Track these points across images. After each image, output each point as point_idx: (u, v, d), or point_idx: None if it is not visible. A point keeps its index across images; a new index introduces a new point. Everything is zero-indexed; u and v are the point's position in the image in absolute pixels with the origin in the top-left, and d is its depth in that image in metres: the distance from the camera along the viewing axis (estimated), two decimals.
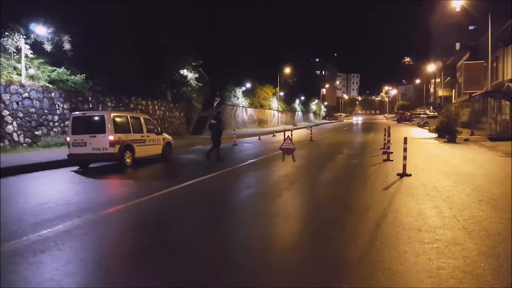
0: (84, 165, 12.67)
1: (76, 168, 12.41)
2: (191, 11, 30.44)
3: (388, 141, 13.67)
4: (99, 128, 12.14)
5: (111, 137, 11.99)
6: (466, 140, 22.51)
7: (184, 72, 29.55)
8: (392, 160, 13.00)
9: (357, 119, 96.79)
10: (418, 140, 24.11)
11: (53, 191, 8.60)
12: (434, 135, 27.15)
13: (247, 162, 13.60)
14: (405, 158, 10.05)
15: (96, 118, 12.46)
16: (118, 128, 12.45)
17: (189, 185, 9.02)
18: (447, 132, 23.37)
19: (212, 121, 15.09)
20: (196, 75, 30.45)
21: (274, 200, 7.49)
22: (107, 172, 11.88)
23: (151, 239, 5.16)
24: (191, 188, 8.84)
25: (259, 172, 11.70)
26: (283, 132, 22.44)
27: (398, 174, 10.00)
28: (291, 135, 19.18)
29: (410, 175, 9.89)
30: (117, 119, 12.61)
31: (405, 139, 10.34)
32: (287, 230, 5.70)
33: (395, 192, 7.88)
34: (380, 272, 3.89)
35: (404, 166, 10.02)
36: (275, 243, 5.07)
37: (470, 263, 4.08)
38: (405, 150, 10.10)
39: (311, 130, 26.41)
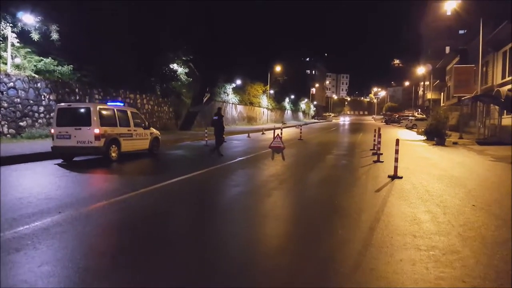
0: (68, 158, 12.30)
1: (59, 161, 12.03)
2: (182, 5, 29.97)
3: (379, 142, 13.55)
4: (84, 120, 11.77)
5: (97, 130, 11.65)
6: (454, 143, 22.61)
7: (174, 66, 29.12)
8: (383, 162, 12.88)
9: (344, 120, 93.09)
10: (407, 142, 24.13)
11: (34, 185, 8.25)
12: (423, 137, 27.20)
13: (236, 160, 13.37)
14: (396, 160, 9.92)
15: (82, 110, 12.08)
16: (104, 121, 12.10)
17: (176, 182, 8.76)
18: (436, 135, 23.43)
19: (214, 117, 15.03)
20: (186, 70, 30.04)
21: (263, 200, 7.28)
22: (91, 166, 11.53)
23: (133, 239, 4.90)
24: (177, 185, 8.58)
25: (248, 170, 11.47)
26: (272, 130, 22.26)
27: (389, 176, 9.87)
28: (281, 133, 18.97)
29: (401, 177, 9.77)
30: (103, 112, 12.26)
31: (397, 141, 10.22)
32: (277, 232, 5.50)
33: (387, 195, 7.73)
34: (375, 281, 3.70)
35: (396, 168, 9.89)
36: (264, 246, 4.85)
37: (469, 273, 3.91)
38: (396, 152, 9.97)
39: (301, 129, 26.25)
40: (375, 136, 18.59)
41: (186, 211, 6.48)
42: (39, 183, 8.51)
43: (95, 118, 11.72)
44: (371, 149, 17.50)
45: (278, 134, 17.77)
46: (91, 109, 11.83)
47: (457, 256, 4.36)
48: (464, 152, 17.66)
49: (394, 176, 9.75)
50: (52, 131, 12.11)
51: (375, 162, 12.95)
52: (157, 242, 4.76)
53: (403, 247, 4.64)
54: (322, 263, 4.20)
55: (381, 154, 13.71)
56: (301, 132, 25.31)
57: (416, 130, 38.62)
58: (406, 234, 5.17)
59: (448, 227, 5.51)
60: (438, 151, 18.06)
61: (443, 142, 22.33)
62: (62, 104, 12.97)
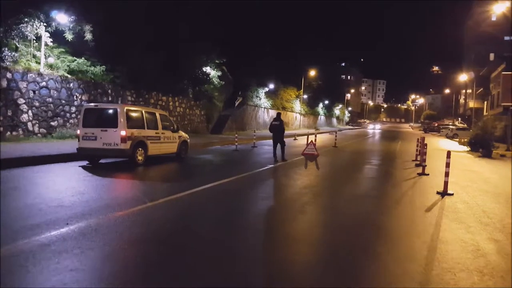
0: (94, 160, 11.90)
1: (85, 162, 11.65)
2: (217, 8, 29.69)
3: (424, 153, 12.36)
4: (111, 122, 11.33)
5: (123, 132, 11.17)
6: (502, 155, 20.98)
7: (207, 69, 28.75)
8: (428, 175, 11.75)
9: (374, 128, 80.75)
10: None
11: (51, 189, 7.74)
12: (466, 148, 25.57)
13: (266, 167, 12.52)
14: (447, 174, 8.81)
15: (109, 111, 11.63)
16: (131, 123, 11.62)
17: (199, 192, 8.02)
18: (481, 146, 21.84)
19: (273, 122, 14.58)
20: (219, 73, 29.61)
21: (295, 218, 6.40)
22: (116, 170, 11.05)
23: (143, 262, 4.18)
24: (201, 195, 7.84)
25: (279, 180, 10.62)
26: (306, 136, 21.32)
27: (438, 193, 8.79)
28: (315, 140, 18.03)
29: (452, 194, 8.68)
30: (131, 114, 11.78)
31: (448, 153, 9.08)
32: (311, 263, 4.62)
33: (439, 216, 6.71)
34: None
35: (446, 183, 8.80)
36: (294, 282, 4.01)
37: None
38: (447, 165, 8.85)
39: (336, 136, 25.12)
40: (418, 146, 17.39)
41: (206, 229, 5.68)
42: (57, 187, 8.00)
43: (121, 120, 11.25)
44: (413, 160, 16.32)
45: (311, 141, 16.91)
46: (118, 110, 11.37)
47: None
48: None
49: (444, 193, 8.67)
50: (78, 132, 11.73)
51: (419, 174, 11.83)
52: (169, 267, 4.02)
53: None
54: None
55: (425, 166, 12.57)
56: (336, 139, 24.19)
57: (457, 140, 36.57)
58: (472, 271, 4.21)
59: None
60: (486, 164, 16.61)
61: (490, 154, 20.75)
62: (89, 104, 12.64)
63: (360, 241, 5.21)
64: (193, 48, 26.29)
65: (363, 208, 7.34)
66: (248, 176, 10.58)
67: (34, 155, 11.38)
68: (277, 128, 14.35)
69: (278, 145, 14.49)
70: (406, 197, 8.36)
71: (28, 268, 3.79)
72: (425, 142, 13.53)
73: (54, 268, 3.80)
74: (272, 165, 13.11)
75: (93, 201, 6.67)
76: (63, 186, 8.02)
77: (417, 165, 14.33)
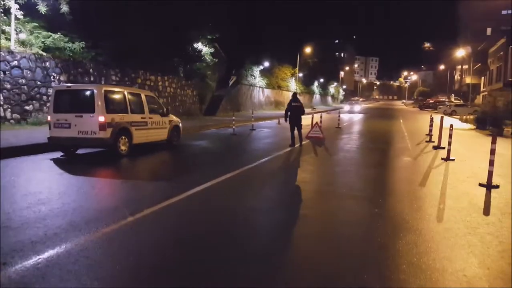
0: (69, 151, 10.21)
1: (59, 154, 9.97)
2: None
3: (450, 136, 10.72)
4: (86, 105, 9.60)
5: (102, 118, 9.46)
6: None
7: (199, 46, 26.75)
8: (454, 159, 10.31)
9: (352, 108, 51.20)
10: (456, 131, 21.14)
11: (3, 198, 5.86)
12: (470, 125, 24.41)
13: (270, 156, 10.78)
14: (492, 163, 7.28)
15: (84, 93, 9.88)
16: (112, 106, 9.91)
17: (197, 195, 6.34)
18: (491, 124, 20.60)
19: (293, 103, 13.00)
20: (212, 50, 27.66)
21: (324, 234, 4.86)
22: (93, 164, 9.39)
23: None
24: (199, 200, 6.15)
25: (292, 174, 8.82)
26: (310, 116, 19.69)
27: (481, 185, 7.32)
28: (321, 121, 16.43)
29: (497, 186, 7.23)
30: (111, 95, 10.05)
31: (494, 138, 7.53)
32: None
33: (505, 221, 5.21)
34: None
35: (490, 174, 7.29)
36: None
37: None
38: (493, 152, 7.32)
39: (339, 115, 23.48)
40: (431, 126, 16.09)
41: (201, 261, 4.12)
42: (13, 193, 6.18)
43: (99, 103, 9.51)
44: (426, 141, 15.03)
45: (316, 122, 15.38)
46: (95, 91, 9.61)
47: None
48: None
49: (489, 185, 7.19)
50: (49, 118, 10.00)
51: (444, 160, 10.36)
52: None
53: None
54: None
55: (444, 148, 11.22)
56: (339, 119, 22.57)
57: (458, 117, 35.26)
58: None
59: None
60: (505, 144, 15.20)
61: (501, 132, 19.47)
62: (60, 85, 10.87)
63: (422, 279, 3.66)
64: (184, 23, 24.25)
65: (410, 214, 5.65)
66: (253, 169, 8.89)
67: None
68: (298, 110, 12.99)
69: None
70: (448, 194, 6.79)
71: None
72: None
73: None
74: (279, 153, 11.52)
75: (53, 216, 4.94)
76: (20, 192, 6.26)
77: (434, 148, 12.96)
